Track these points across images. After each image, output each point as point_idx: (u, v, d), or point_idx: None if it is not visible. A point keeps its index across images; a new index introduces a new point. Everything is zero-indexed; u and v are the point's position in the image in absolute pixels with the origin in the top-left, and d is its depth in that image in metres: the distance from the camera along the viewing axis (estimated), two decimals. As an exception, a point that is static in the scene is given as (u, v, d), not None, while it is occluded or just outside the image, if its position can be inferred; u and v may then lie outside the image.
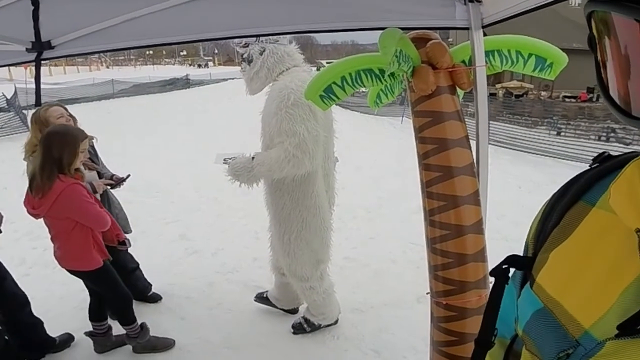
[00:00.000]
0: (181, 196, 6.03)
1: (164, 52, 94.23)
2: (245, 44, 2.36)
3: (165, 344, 2.72)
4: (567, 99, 13.05)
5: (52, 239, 2.35)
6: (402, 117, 13.20)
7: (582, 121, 10.05)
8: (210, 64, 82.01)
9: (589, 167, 0.56)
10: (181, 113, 16.05)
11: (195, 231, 4.70)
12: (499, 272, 0.59)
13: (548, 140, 8.78)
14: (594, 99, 13.28)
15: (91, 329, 2.64)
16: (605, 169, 0.52)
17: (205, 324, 2.99)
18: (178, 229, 4.74)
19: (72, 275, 3.30)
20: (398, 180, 6.48)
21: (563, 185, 0.57)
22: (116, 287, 2.49)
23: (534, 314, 0.51)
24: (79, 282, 3.05)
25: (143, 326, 2.64)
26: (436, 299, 1.62)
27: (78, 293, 3.30)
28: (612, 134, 8.98)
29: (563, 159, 7.68)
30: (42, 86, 1.69)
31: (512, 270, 0.59)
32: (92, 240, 2.33)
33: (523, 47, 1.58)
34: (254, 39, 2.33)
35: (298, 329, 2.82)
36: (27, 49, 1.61)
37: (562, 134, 9.68)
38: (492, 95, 9.03)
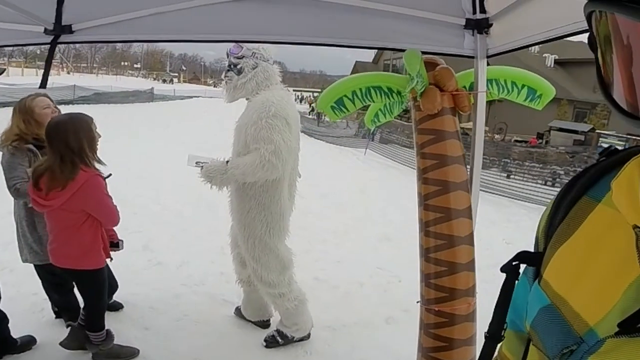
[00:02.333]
0: (143, 207, 5.83)
1: (128, 64, 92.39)
2: (241, 55, 2.48)
3: (129, 353, 2.59)
4: (518, 143, 14.02)
5: (56, 234, 2.19)
6: (366, 149, 13.61)
7: (532, 164, 10.78)
8: (176, 80, 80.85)
9: (595, 162, 0.56)
10: (143, 126, 15.61)
11: (158, 243, 4.55)
12: (510, 269, 0.59)
13: (500, 182, 9.34)
14: (543, 145, 14.41)
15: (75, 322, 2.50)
16: (609, 164, 0.52)
17: (171, 335, 2.88)
18: (141, 240, 4.55)
19: (22, 277, 3.10)
20: (362, 209, 6.66)
21: (570, 181, 0.57)
22: (105, 291, 2.37)
23: (540, 310, 0.51)
24: (32, 285, 2.87)
25: (108, 332, 2.50)
26: (427, 306, 1.70)
27: (29, 296, 3.10)
28: (557, 179, 9.72)
29: (517, 199, 8.20)
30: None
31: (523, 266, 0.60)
32: (100, 237, 2.24)
33: (518, 78, 1.78)
34: (250, 53, 2.48)
35: (271, 342, 2.78)
36: (45, 30, 1.58)
37: (512, 177, 10.32)
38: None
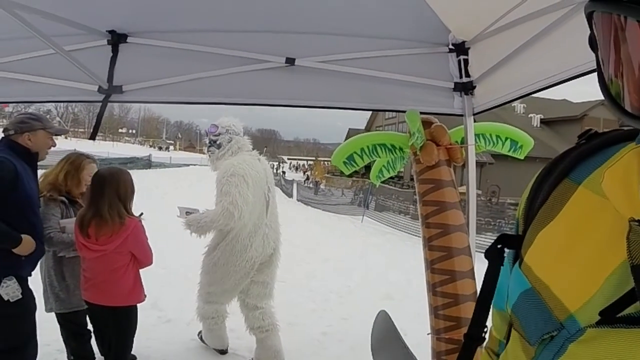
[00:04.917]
0: (148, 270, 5.88)
1: (125, 130, 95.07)
2: (218, 133, 3.08)
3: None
4: (511, 206, 14.36)
5: (106, 276, 2.33)
6: (363, 216, 13.78)
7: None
8: (172, 147, 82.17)
9: (575, 145, 0.55)
10: (142, 192, 15.76)
11: (166, 302, 4.62)
12: (494, 253, 0.56)
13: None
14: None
15: None
16: (590, 147, 0.52)
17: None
18: (148, 299, 4.55)
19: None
20: (363, 272, 6.80)
21: (550, 163, 0.56)
22: (136, 327, 2.50)
23: (521, 294, 0.50)
24: (44, 336, 2.86)
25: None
26: (437, 336, 1.86)
27: (42, 347, 3.03)
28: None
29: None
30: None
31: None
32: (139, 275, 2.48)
33: (501, 132, 2.12)
34: (224, 130, 3.06)
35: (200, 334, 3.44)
36: (99, 89, 1.88)
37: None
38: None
